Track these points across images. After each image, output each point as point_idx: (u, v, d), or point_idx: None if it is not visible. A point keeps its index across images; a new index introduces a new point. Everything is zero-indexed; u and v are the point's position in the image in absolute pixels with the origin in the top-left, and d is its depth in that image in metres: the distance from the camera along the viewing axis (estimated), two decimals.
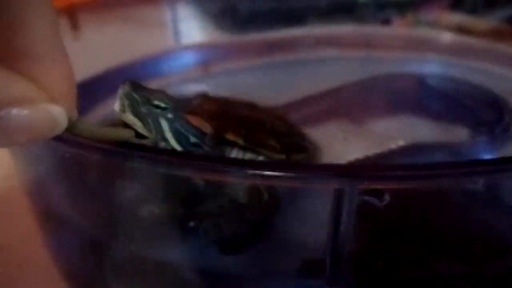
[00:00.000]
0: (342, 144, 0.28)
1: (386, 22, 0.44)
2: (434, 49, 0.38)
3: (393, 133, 0.28)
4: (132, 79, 0.18)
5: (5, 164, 0.25)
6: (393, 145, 0.27)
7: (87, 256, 0.20)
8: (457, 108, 0.31)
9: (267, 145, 0.22)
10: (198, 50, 0.35)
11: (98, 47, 0.30)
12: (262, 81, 0.35)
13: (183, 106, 0.19)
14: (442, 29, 0.43)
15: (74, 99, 0.14)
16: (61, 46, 0.13)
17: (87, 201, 0.18)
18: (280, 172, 0.13)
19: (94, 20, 0.30)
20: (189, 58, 0.35)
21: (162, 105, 0.18)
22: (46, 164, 0.17)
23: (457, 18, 0.44)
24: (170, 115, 0.18)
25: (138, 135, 0.17)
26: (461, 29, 0.43)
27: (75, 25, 0.29)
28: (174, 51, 0.34)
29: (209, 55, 0.36)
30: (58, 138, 0.14)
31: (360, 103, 0.31)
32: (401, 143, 0.27)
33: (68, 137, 0.14)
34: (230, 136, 0.21)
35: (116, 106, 0.17)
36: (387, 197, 0.14)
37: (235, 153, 0.22)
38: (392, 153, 0.26)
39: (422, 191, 0.13)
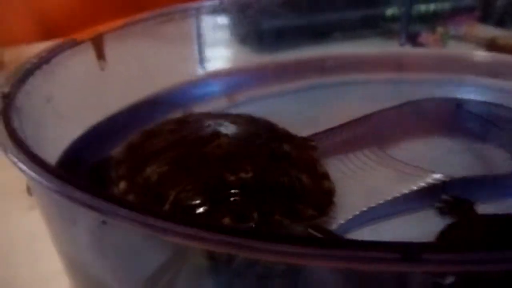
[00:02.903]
0: (371, 175, 0.27)
1: (415, 37, 0.43)
2: (469, 69, 0.36)
3: (428, 162, 0.27)
4: None
5: None
6: (430, 179, 0.26)
7: None
8: (496, 135, 0.29)
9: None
10: (223, 77, 0.35)
11: (124, 76, 0.30)
12: (287, 108, 0.34)
13: None
14: (473, 43, 0.42)
15: None
16: None
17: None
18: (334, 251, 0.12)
19: (119, 49, 0.30)
20: (213, 87, 0.34)
21: None
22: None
23: (487, 32, 0.43)
24: None
25: None
26: (492, 44, 0.41)
27: (101, 55, 0.28)
28: (199, 80, 0.34)
29: (235, 82, 0.35)
30: None
31: (392, 130, 0.30)
32: (438, 176, 0.26)
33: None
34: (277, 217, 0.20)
35: None
36: (452, 277, 0.13)
37: None
38: (430, 188, 0.25)
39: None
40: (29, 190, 0.19)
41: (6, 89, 0.20)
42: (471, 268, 0.12)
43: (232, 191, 0.21)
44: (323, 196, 0.23)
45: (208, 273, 0.16)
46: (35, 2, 0.60)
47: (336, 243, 0.13)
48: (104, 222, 0.14)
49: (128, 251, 0.16)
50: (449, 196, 0.24)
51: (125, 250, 0.16)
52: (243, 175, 0.22)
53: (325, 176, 0.25)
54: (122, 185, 0.23)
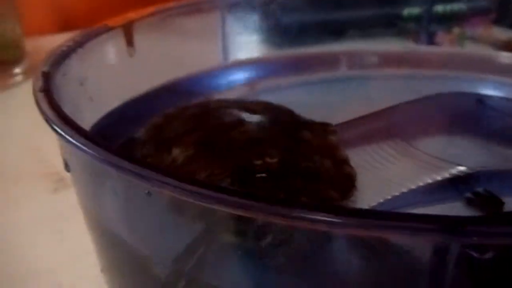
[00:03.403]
0: (395, 165, 0.27)
1: (431, 37, 0.44)
2: (489, 68, 0.37)
3: (449, 155, 0.27)
4: None
5: None
6: (454, 171, 0.26)
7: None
8: None
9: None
10: (244, 67, 0.35)
11: (151, 64, 0.30)
12: (307, 99, 0.34)
13: None
14: (489, 45, 0.42)
15: None
16: None
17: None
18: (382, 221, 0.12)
19: (146, 36, 0.30)
20: (235, 75, 0.34)
21: None
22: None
23: (503, 33, 0.43)
24: None
25: None
26: (508, 46, 0.42)
27: (130, 42, 0.28)
28: (222, 68, 0.34)
29: (256, 72, 0.35)
30: None
31: (414, 122, 0.31)
32: (462, 168, 0.26)
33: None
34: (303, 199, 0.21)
35: None
36: (491, 251, 0.13)
37: None
38: (456, 180, 0.25)
39: None
40: (66, 166, 0.19)
41: (45, 68, 0.21)
42: None
43: (259, 175, 0.22)
44: (345, 180, 0.24)
45: (239, 250, 0.17)
46: None
47: (378, 213, 0.13)
48: (149, 193, 0.15)
49: (168, 222, 0.16)
50: (483, 190, 0.24)
51: (165, 221, 0.16)
52: (268, 160, 0.22)
53: (346, 162, 0.25)
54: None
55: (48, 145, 0.36)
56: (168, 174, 0.14)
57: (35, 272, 0.26)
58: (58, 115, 0.17)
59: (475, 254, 0.13)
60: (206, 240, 0.17)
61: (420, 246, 0.13)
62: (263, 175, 0.21)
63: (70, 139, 0.16)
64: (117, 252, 0.19)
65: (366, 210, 0.13)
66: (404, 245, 0.14)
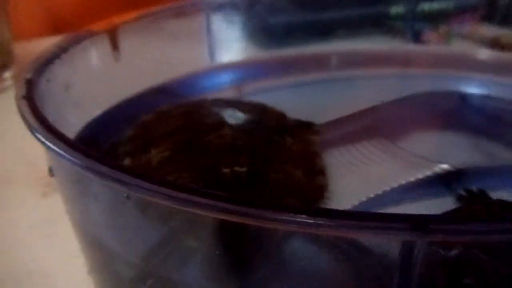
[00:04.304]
0: (378, 164, 0.27)
1: (418, 35, 0.44)
2: (474, 66, 0.37)
3: (433, 153, 0.28)
4: None
5: None
6: (437, 169, 0.27)
7: None
8: (500, 128, 0.30)
9: None
10: (231, 69, 0.35)
11: (137, 68, 0.31)
12: (294, 100, 0.35)
13: None
14: (476, 42, 0.43)
15: None
16: None
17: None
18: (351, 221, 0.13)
19: (132, 40, 0.30)
20: (222, 78, 0.35)
21: None
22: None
23: (490, 31, 0.44)
24: None
25: None
26: (495, 43, 0.42)
27: (115, 46, 0.29)
28: (208, 71, 0.35)
29: (243, 74, 0.36)
30: None
31: (398, 121, 0.31)
32: (445, 166, 0.27)
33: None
34: None
35: None
36: (458, 248, 0.13)
37: None
38: (438, 178, 0.26)
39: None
40: (51, 172, 0.20)
41: (28, 75, 0.21)
42: (479, 238, 0.12)
43: (225, 184, 0.22)
44: (315, 192, 0.24)
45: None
46: None
47: (344, 213, 0.13)
48: (128, 197, 0.15)
49: (145, 224, 0.16)
50: (476, 188, 0.24)
51: (142, 223, 0.17)
52: (237, 169, 0.22)
53: (321, 172, 0.25)
54: (127, 161, 0.24)
55: (36, 149, 0.36)
56: (145, 178, 0.14)
57: (26, 275, 0.26)
58: (40, 122, 0.17)
59: (442, 252, 0.14)
60: (178, 242, 0.17)
61: (387, 245, 0.14)
62: (229, 184, 0.22)
63: (51, 145, 0.16)
64: (99, 254, 0.20)
65: (333, 210, 0.13)
66: (373, 244, 0.14)
